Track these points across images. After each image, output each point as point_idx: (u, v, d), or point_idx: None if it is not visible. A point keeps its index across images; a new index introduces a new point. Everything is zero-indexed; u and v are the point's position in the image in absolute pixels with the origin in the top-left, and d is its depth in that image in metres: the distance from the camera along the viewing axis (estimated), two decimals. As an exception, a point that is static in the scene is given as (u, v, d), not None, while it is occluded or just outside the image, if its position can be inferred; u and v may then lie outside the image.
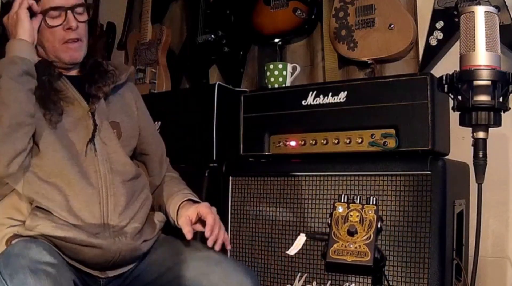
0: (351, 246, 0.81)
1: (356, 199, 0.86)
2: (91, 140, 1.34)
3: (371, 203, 0.85)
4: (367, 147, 1.62)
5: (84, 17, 1.40)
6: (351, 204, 0.85)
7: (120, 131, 1.42)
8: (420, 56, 1.98)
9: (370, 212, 0.84)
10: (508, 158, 1.89)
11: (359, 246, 0.80)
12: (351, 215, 0.84)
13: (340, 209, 0.85)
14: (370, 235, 0.81)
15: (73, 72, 1.44)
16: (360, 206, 0.85)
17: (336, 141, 1.67)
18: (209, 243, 1.35)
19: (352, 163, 1.62)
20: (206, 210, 1.39)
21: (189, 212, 1.40)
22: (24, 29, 1.30)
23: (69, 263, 1.25)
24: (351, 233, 0.81)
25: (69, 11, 1.35)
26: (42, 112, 1.30)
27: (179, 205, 1.44)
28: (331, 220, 0.84)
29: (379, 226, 0.82)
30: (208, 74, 2.46)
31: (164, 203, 1.49)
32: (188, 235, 1.35)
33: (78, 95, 1.38)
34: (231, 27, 2.41)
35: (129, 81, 1.55)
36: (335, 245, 0.82)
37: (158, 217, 1.47)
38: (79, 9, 1.38)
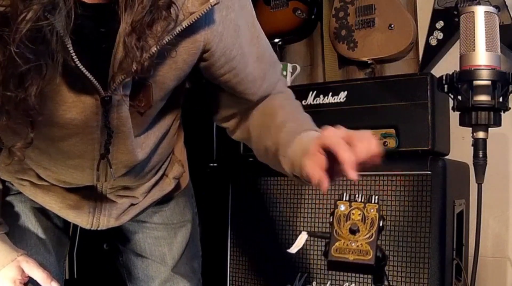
0: (353, 244, 0.80)
1: (358, 197, 0.85)
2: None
3: (373, 201, 0.84)
4: (367, 147, 1.61)
5: None
6: (353, 203, 0.84)
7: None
8: (420, 56, 1.98)
9: (372, 210, 0.83)
10: (508, 158, 1.89)
11: (361, 244, 0.80)
12: (353, 214, 0.83)
13: (342, 207, 0.84)
14: (372, 234, 0.80)
15: None
16: (362, 204, 0.84)
17: (336, 141, 1.66)
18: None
19: (352, 163, 1.61)
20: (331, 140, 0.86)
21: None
22: None
23: None
24: (353, 231, 0.80)
25: None
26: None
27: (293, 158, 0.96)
28: (332, 219, 0.83)
29: (381, 224, 0.81)
30: (208, 74, 2.45)
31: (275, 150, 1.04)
32: (323, 184, 0.85)
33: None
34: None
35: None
36: (336, 244, 0.81)
37: (175, 171, 1.20)
38: None
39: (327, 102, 1.71)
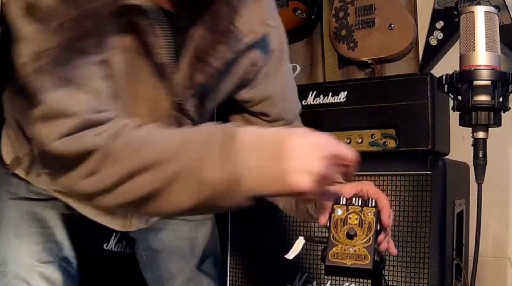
0: (351, 249, 0.80)
1: (355, 201, 0.85)
2: None
3: (370, 205, 0.84)
4: (367, 147, 1.62)
5: None
6: (350, 206, 0.84)
7: None
8: (420, 56, 1.98)
9: (369, 214, 0.83)
10: (508, 158, 1.89)
11: (359, 249, 0.79)
12: (350, 218, 0.83)
13: (339, 211, 0.84)
14: (370, 238, 0.80)
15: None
16: (359, 208, 0.84)
17: (336, 141, 1.66)
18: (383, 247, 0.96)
19: (352, 163, 1.61)
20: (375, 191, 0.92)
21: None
22: None
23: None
24: (350, 236, 0.80)
25: None
26: None
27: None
28: (330, 223, 0.83)
29: (378, 228, 0.81)
30: (208, 74, 2.45)
31: None
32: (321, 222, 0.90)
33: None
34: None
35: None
36: (334, 249, 0.81)
37: None
38: None
39: (327, 102, 1.71)
